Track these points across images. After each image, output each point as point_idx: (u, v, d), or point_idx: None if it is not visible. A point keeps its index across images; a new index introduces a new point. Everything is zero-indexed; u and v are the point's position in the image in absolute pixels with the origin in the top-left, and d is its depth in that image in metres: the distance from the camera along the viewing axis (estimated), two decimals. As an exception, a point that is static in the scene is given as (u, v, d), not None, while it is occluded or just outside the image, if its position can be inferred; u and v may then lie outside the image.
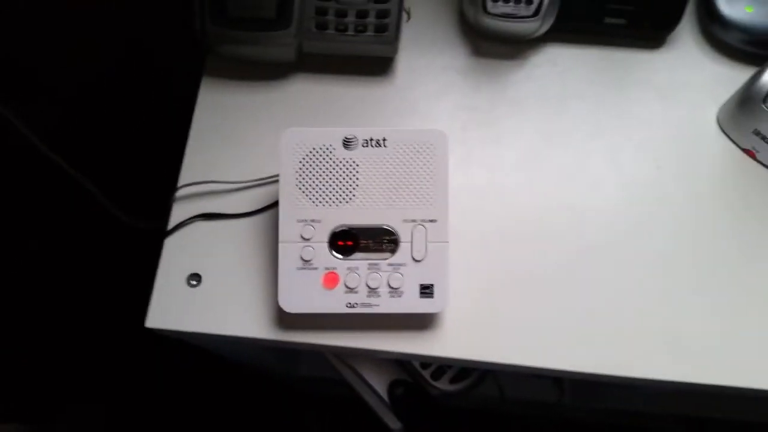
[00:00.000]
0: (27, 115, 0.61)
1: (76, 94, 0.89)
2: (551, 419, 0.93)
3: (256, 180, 0.51)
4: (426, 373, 0.82)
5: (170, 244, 0.50)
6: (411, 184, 0.46)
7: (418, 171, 0.46)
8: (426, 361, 0.78)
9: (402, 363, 0.83)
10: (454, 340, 0.47)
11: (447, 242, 0.46)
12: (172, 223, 0.50)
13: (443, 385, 0.82)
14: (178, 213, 0.51)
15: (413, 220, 0.46)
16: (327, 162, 0.46)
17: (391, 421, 0.81)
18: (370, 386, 0.81)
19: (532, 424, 0.96)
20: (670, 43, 0.56)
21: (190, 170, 0.52)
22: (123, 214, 0.60)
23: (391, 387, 0.81)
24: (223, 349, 0.66)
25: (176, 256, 0.50)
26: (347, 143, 0.46)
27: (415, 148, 0.46)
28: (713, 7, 0.55)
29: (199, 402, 1.05)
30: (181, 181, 0.51)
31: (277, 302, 0.47)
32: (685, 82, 0.55)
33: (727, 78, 0.55)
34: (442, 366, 0.82)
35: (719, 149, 0.53)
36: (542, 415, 0.91)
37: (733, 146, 0.53)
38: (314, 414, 1.05)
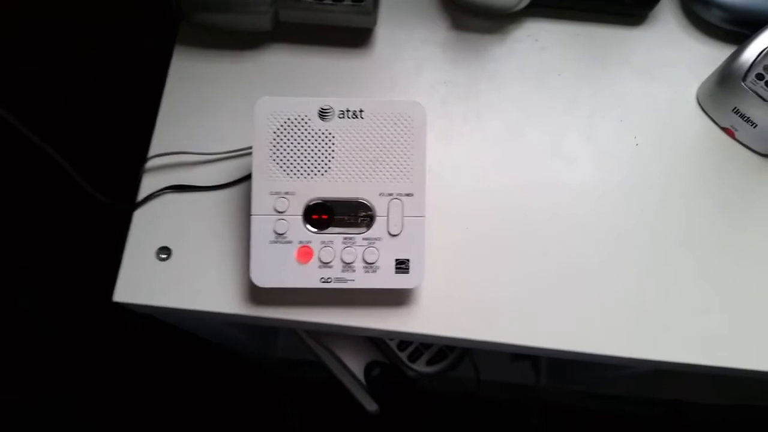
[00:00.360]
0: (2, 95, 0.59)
1: (45, 70, 0.86)
2: (527, 402, 0.93)
3: (228, 152, 0.50)
4: (403, 355, 0.81)
5: (139, 217, 0.48)
6: (388, 157, 0.45)
7: (395, 144, 0.45)
8: (401, 338, 0.77)
9: (379, 344, 0.82)
10: (430, 317, 0.47)
11: (423, 217, 0.45)
12: (141, 195, 0.49)
13: (420, 366, 0.82)
14: (148, 185, 0.49)
15: (390, 194, 0.45)
16: (302, 133, 0.44)
17: (368, 403, 0.80)
18: (346, 367, 0.80)
19: (508, 406, 0.96)
20: (650, 20, 0.56)
21: (161, 141, 0.50)
22: (93, 188, 0.58)
23: (368, 368, 0.80)
24: (197, 327, 0.65)
25: (145, 229, 0.48)
26: (323, 114, 0.45)
27: (392, 119, 0.45)
28: (695, -15, 0.54)
29: (171, 382, 1.04)
30: (152, 152, 0.50)
31: (248, 277, 0.46)
32: (666, 59, 0.55)
33: (707, 56, 0.54)
34: (419, 348, 0.82)
35: (698, 127, 0.53)
36: (518, 398, 0.91)
37: (712, 124, 0.53)
38: (289, 396, 1.04)
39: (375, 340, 0.83)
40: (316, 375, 0.94)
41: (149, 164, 0.49)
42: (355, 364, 0.81)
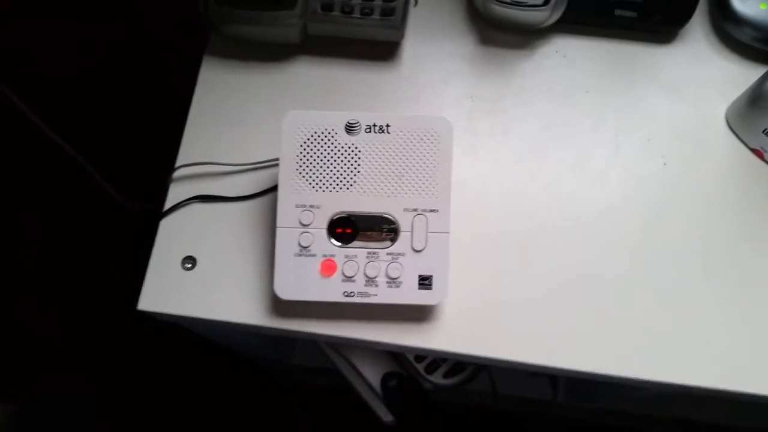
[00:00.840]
0: (27, 96, 0.60)
1: (75, 75, 0.87)
2: (544, 416, 0.92)
3: (255, 163, 0.50)
4: (420, 367, 0.81)
5: (166, 226, 0.49)
6: (413, 173, 0.45)
7: (421, 159, 0.45)
8: (422, 354, 0.77)
9: (396, 355, 0.82)
10: (452, 334, 0.47)
11: (448, 233, 0.45)
12: (168, 205, 0.49)
13: (437, 378, 0.81)
14: (175, 194, 0.50)
15: (414, 210, 0.45)
16: (328, 147, 0.45)
17: (384, 414, 0.80)
18: (363, 377, 0.80)
19: (524, 420, 0.96)
20: (680, 38, 0.55)
21: (188, 151, 0.51)
22: (119, 194, 0.59)
23: (385, 379, 0.80)
24: (216, 333, 0.65)
25: (171, 238, 0.48)
26: (350, 128, 0.45)
27: (419, 135, 0.45)
28: (726, 3, 0.54)
29: (188, 385, 1.04)
30: (179, 161, 0.50)
31: (272, 289, 0.46)
32: (695, 78, 0.54)
33: (737, 75, 0.54)
34: (436, 360, 0.81)
35: (727, 148, 0.52)
36: (535, 412, 0.91)
37: (741, 145, 0.52)
38: (302, 403, 1.04)
39: (392, 351, 0.82)
40: (331, 382, 0.94)
41: (176, 174, 0.50)
42: (372, 374, 0.80)
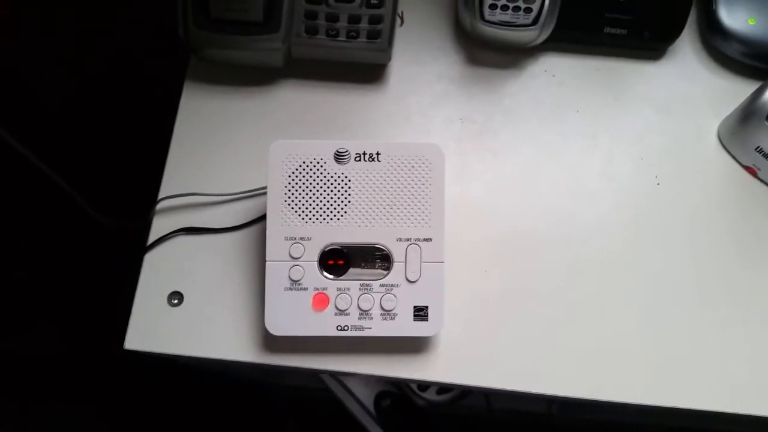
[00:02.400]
0: (9, 121, 0.58)
1: (60, 101, 0.85)
2: (539, 428, 0.92)
3: (241, 192, 0.49)
4: (413, 384, 0.80)
5: (150, 260, 0.47)
6: (405, 201, 0.44)
7: (412, 187, 0.44)
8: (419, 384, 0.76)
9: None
10: (448, 364, 0.46)
11: (442, 262, 0.44)
12: (152, 238, 0.48)
13: (430, 395, 0.81)
14: (159, 226, 0.48)
15: (407, 239, 0.44)
16: (317, 176, 0.43)
17: (377, 433, 0.79)
18: (356, 398, 0.79)
19: (519, 432, 0.95)
20: (670, 54, 0.55)
21: (171, 181, 0.49)
22: (98, 213, 0.57)
23: (378, 398, 0.79)
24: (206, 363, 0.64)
25: (157, 273, 0.47)
26: (339, 157, 0.43)
27: (409, 162, 0.44)
28: (714, 19, 0.53)
29: (180, 409, 1.02)
30: (162, 192, 0.49)
31: (261, 323, 0.45)
32: (685, 95, 0.54)
33: (727, 91, 0.53)
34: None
35: (719, 165, 0.52)
36: (530, 427, 0.90)
37: (733, 162, 0.52)
38: (297, 423, 1.03)
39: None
40: (324, 397, 0.93)
41: (160, 206, 0.48)
42: (365, 394, 0.79)
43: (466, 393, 0.81)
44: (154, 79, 0.83)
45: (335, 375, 0.79)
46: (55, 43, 0.74)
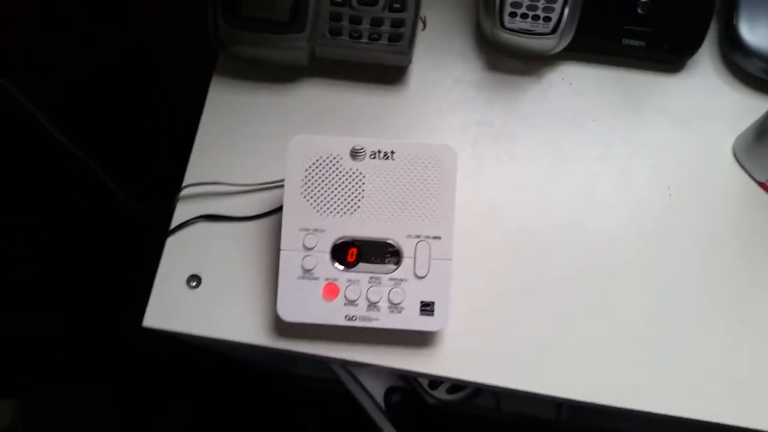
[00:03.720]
0: (35, 95, 0.61)
1: (85, 76, 0.89)
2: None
3: (260, 184, 0.51)
4: (423, 382, 0.82)
5: (172, 244, 0.50)
6: (417, 199, 0.45)
7: (425, 186, 0.45)
8: (423, 378, 0.77)
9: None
10: (453, 360, 0.47)
11: (450, 260, 0.45)
12: (175, 223, 0.50)
13: (440, 394, 0.82)
14: (182, 212, 0.50)
15: (417, 236, 0.45)
16: (333, 172, 0.45)
17: (387, 428, 0.81)
18: (366, 392, 0.81)
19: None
20: (688, 68, 0.55)
21: (196, 169, 0.52)
22: (126, 198, 0.59)
23: (388, 393, 0.81)
24: (220, 347, 0.66)
25: (177, 256, 0.49)
26: (355, 154, 0.45)
27: (423, 162, 0.45)
28: (735, 34, 0.54)
29: (194, 396, 1.05)
30: (187, 179, 0.51)
31: (274, 310, 0.47)
32: (702, 109, 0.54)
33: (745, 107, 0.54)
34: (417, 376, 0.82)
35: (733, 180, 0.52)
36: (539, 427, 0.91)
37: (748, 178, 0.52)
38: (311, 412, 1.05)
39: (395, 366, 0.83)
40: (338, 390, 0.95)
41: (184, 192, 0.51)
42: (376, 388, 0.81)
43: (476, 393, 0.82)
44: (179, 72, 0.86)
45: (345, 366, 0.81)
46: (79, 30, 0.77)
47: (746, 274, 0.49)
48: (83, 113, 0.88)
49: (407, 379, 0.82)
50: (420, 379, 0.82)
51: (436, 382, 0.82)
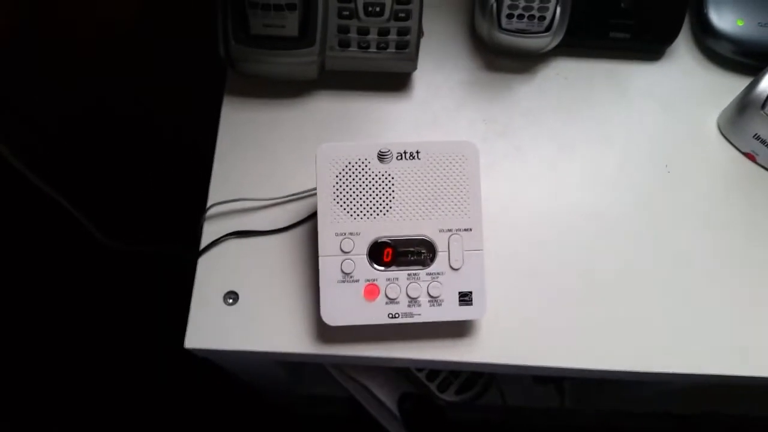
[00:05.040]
0: (11, 141, 0.60)
1: (57, 129, 0.87)
2: (554, 425, 0.95)
3: (284, 196, 0.52)
4: (432, 386, 0.82)
5: (204, 264, 0.50)
6: (445, 195, 0.47)
7: (451, 182, 0.47)
8: (466, 369, 0.78)
9: (408, 376, 0.84)
10: (491, 346, 0.49)
11: (482, 250, 0.47)
12: (204, 243, 0.50)
13: (449, 396, 0.83)
14: (210, 232, 0.51)
15: (449, 230, 0.47)
16: (363, 176, 0.47)
17: (403, 435, 0.81)
18: (379, 401, 0.81)
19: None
20: (668, 55, 0.60)
21: (217, 189, 0.52)
22: (100, 233, 0.59)
23: (401, 400, 0.81)
24: (240, 365, 0.66)
25: (211, 275, 0.49)
26: (382, 157, 0.47)
27: (447, 159, 0.47)
28: (706, 21, 0.59)
29: (196, 421, 1.03)
30: (210, 200, 0.51)
31: (315, 316, 0.48)
32: (685, 91, 0.59)
33: (722, 86, 0.58)
34: (448, 377, 0.83)
35: (721, 152, 0.56)
36: (545, 421, 0.93)
37: (734, 150, 0.56)
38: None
39: (404, 372, 0.84)
40: (339, 412, 0.95)
41: (209, 212, 0.51)
42: (388, 397, 0.81)
43: (483, 392, 0.84)
44: (162, 106, 0.85)
45: (354, 373, 0.81)
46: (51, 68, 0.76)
47: (741, 238, 0.53)
48: (61, 156, 0.86)
49: (417, 385, 0.83)
50: (429, 383, 0.82)
51: (445, 384, 0.83)
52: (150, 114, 0.87)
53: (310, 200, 0.52)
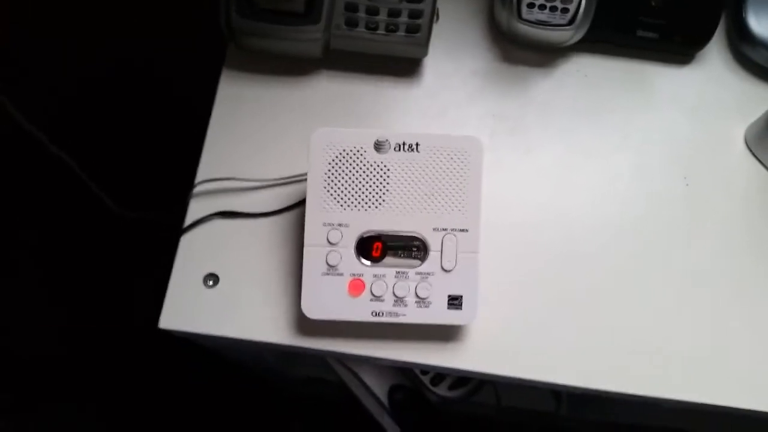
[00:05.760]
0: (27, 107, 0.59)
1: (75, 93, 0.86)
2: (547, 429, 0.92)
3: (277, 179, 0.49)
4: (425, 379, 0.81)
5: (186, 242, 0.48)
6: (443, 192, 0.44)
7: (450, 178, 0.44)
8: (448, 373, 0.77)
9: (402, 368, 0.82)
10: (479, 354, 0.46)
11: (477, 253, 0.44)
12: (189, 221, 0.48)
13: (442, 391, 0.81)
14: (196, 210, 0.49)
15: (444, 229, 0.44)
16: (357, 165, 0.44)
17: (389, 426, 0.80)
18: (369, 390, 0.80)
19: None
20: (698, 59, 0.56)
21: (208, 165, 0.50)
22: (112, 203, 0.57)
23: (391, 392, 0.80)
24: (224, 346, 0.64)
25: (193, 255, 0.48)
26: (379, 146, 0.44)
27: (448, 154, 0.44)
28: (743, 26, 0.54)
29: (186, 401, 1.03)
30: (199, 176, 0.49)
31: (297, 307, 0.46)
32: (713, 99, 0.55)
33: (754, 97, 0.54)
34: (441, 372, 0.81)
35: (746, 169, 0.53)
36: (538, 425, 0.91)
37: (760, 166, 0.53)
38: (307, 416, 1.03)
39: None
40: (331, 394, 0.93)
41: (197, 189, 0.49)
42: (379, 387, 0.80)
43: (477, 389, 0.82)
44: (172, 74, 0.84)
45: (348, 361, 0.79)
46: (63, 40, 0.75)
47: (761, 260, 0.50)
48: (76, 123, 0.85)
49: (410, 377, 0.82)
50: (422, 377, 0.81)
51: (438, 378, 0.81)
52: (169, 80, 0.85)
53: (302, 185, 0.49)
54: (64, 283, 0.98)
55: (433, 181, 0.44)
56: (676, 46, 0.54)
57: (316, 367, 0.87)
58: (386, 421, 0.80)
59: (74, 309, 0.98)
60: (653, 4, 0.52)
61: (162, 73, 0.85)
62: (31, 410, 0.97)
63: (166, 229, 0.51)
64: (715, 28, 0.53)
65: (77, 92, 0.85)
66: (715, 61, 0.56)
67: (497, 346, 0.47)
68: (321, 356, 0.81)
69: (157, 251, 0.53)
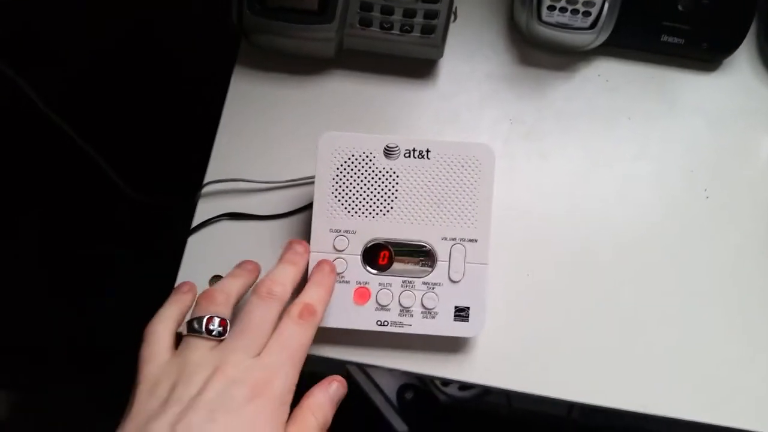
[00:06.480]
0: (42, 86, 0.59)
1: (87, 67, 0.86)
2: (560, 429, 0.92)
3: (286, 181, 0.49)
4: (436, 379, 0.80)
5: (194, 243, 0.48)
6: (453, 200, 0.43)
7: (461, 187, 0.43)
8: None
9: (411, 367, 0.82)
10: (486, 366, 0.46)
11: (487, 264, 0.43)
12: (196, 221, 0.48)
13: (452, 391, 0.81)
14: (203, 210, 0.48)
15: (453, 239, 0.43)
16: (366, 170, 0.43)
17: (398, 424, 0.80)
18: (379, 388, 0.80)
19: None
20: (725, 66, 0.54)
21: (217, 166, 0.49)
22: (125, 184, 0.57)
23: (401, 390, 0.79)
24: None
25: (199, 256, 0.47)
26: (388, 152, 0.43)
27: (460, 162, 0.43)
28: (775, 32, 0.52)
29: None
30: (208, 177, 0.49)
31: (302, 313, 0.45)
32: (739, 109, 0.53)
33: (783, 108, 0.52)
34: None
35: (771, 182, 0.51)
36: (548, 429, 0.90)
37: (786, 180, 0.51)
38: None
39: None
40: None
41: (205, 190, 0.49)
42: (388, 385, 0.80)
43: (487, 391, 0.81)
44: (192, 63, 0.83)
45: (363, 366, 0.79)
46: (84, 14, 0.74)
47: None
48: (92, 105, 0.85)
49: (420, 377, 0.81)
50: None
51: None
52: (179, 61, 0.85)
53: (311, 188, 0.48)
54: (67, 271, 0.98)
55: (443, 189, 0.43)
56: (703, 53, 0.52)
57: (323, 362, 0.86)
58: (395, 419, 0.79)
59: (74, 299, 0.99)
60: (680, 8, 0.50)
61: (174, 53, 0.84)
62: (40, 392, 0.98)
63: (175, 214, 0.51)
64: (745, 35, 0.51)
65: (90, 71, 0.85)
66: (742, 69, 0.54)
67: (505, 358, 0.46)
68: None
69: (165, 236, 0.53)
